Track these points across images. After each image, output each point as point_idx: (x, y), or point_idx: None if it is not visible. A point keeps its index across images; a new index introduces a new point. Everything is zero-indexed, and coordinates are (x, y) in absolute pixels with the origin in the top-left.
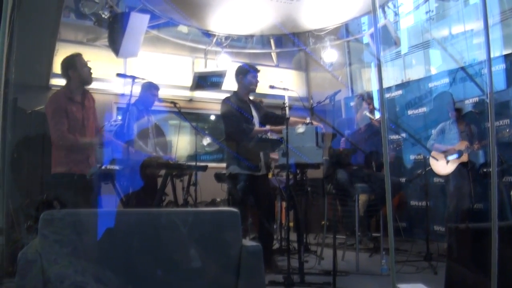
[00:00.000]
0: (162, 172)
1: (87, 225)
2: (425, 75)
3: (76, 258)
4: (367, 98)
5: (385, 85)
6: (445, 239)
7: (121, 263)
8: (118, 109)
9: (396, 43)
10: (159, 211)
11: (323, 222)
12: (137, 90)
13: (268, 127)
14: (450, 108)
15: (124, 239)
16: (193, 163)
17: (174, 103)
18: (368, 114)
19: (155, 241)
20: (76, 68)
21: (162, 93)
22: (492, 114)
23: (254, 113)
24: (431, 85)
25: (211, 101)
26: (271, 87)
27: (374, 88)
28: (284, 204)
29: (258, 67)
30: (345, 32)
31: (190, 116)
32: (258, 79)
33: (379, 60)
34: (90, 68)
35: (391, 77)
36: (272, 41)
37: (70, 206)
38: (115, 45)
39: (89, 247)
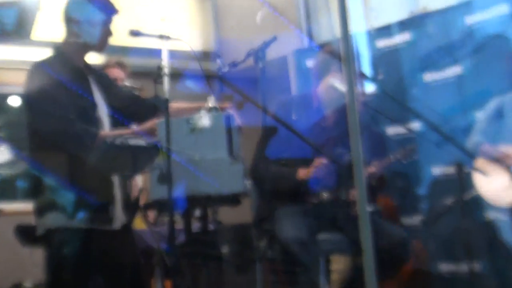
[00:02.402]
0: None
1: None
2: (457, 1)
3: None
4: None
5: (380, 23)
6: None
7: None
8: None
9: None
10: None
11: None
12: None
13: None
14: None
15: None
16: None
17: None
18: (338, 85)
19: None
20: None
21: None
22: None
23: (97, 93)
24: (469, 20)
25: (9, 68)
26: (134, 33)
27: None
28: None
29: None
30: None
31: None
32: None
33: None
34: None
35: (390, 7)
36: None
37: None
38: None
39: None
